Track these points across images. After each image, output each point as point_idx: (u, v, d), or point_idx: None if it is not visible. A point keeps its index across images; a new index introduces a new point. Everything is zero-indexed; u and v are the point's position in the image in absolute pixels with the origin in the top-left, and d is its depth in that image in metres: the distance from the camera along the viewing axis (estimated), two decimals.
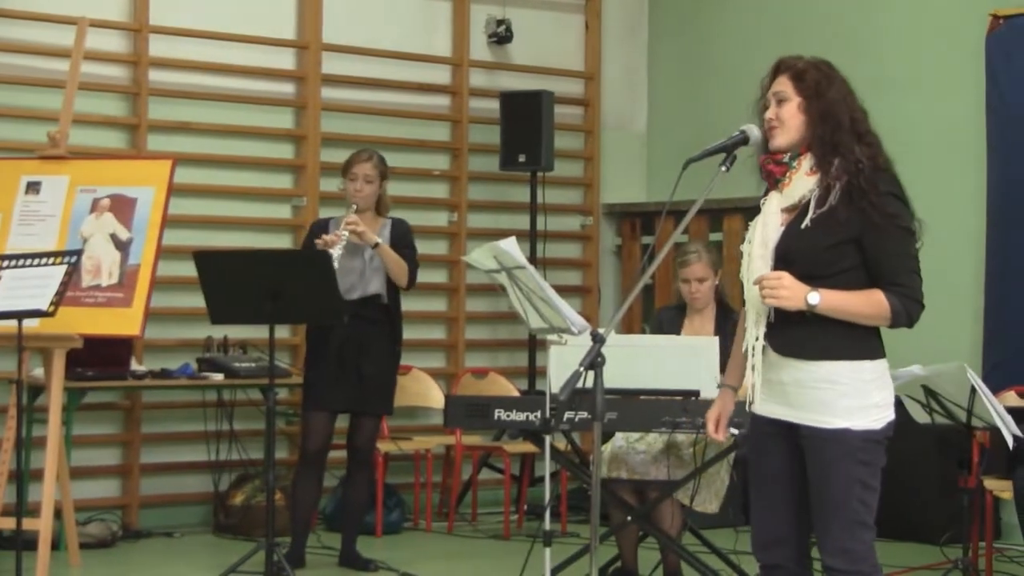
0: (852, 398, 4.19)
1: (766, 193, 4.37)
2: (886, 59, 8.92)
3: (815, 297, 4.14)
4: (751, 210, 4.43)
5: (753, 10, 9.80)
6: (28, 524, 6.71)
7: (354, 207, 7.29)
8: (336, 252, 7.04)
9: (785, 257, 4.22)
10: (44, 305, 6.56)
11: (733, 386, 4.49)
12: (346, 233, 7.15)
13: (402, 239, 7.40)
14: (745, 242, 4.36)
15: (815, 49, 4.55)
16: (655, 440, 6.62)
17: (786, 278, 4.17)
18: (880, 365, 4.25)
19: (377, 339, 7.32)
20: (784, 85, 4.29)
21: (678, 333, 6.81)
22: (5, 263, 6.77)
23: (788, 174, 4.29)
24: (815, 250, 4.19)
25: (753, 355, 4.29)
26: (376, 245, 7.22)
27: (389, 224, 7.44)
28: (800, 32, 9.21)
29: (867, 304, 4.18)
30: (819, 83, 4.26)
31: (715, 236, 9.53)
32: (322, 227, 7.42)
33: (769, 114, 4.30)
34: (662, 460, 6.57)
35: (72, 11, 8.11)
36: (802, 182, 4.27)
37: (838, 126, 4.23)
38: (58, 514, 7.25)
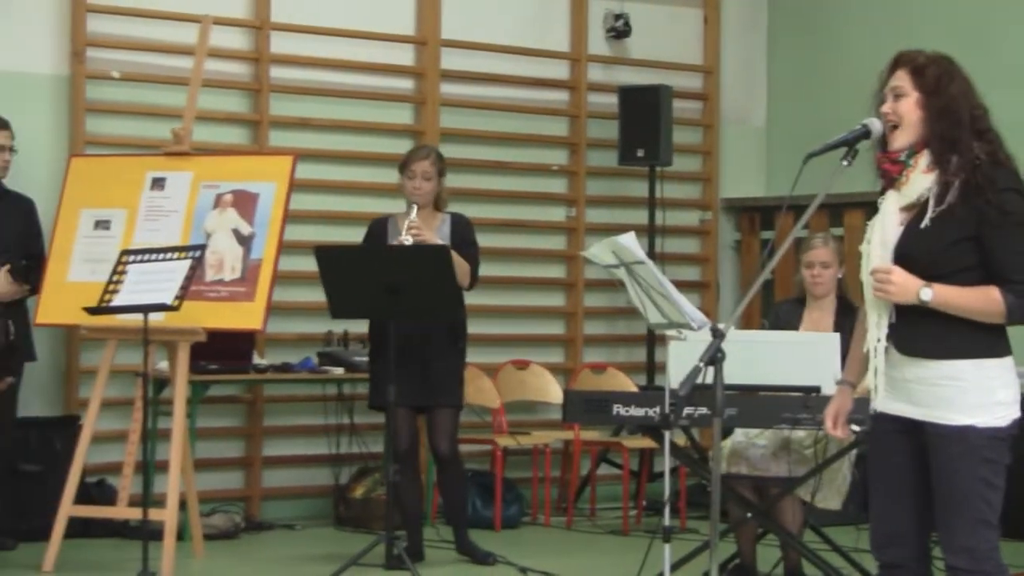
0: (976, 395, 4.13)
1: (883, 191, 4.32)
2: (1007, 52, 8.78)
3: (927, 293, 4.10)
4: (872, 205, 4.38)
5: (874, 3, 9.69)
6: (154, 515, 6.81)
7: (415, 207, 7.24)
8: None
9: (905, 257, 4.18)
10: (169, 299, 6.65)
11: (852, 382, 4.45)
12: (410, 239, 7.08)
13: (464, 236, 7.33)
14: (864, 242, 4.32)
15: (936, 43, 4.49)
16: (774, 436, 6.57)
17: (896, 272, 4.13)
18: (1005, 362, 4.19)
19: (438, 335, 7.24)
20: (902, 80, 4.23)
21: (796, 327, 6.74)
22: (131, 258, 6.88)
23: (905, 172, 4.24)
24: (935, 249, 4.14)
25: (875, 356, 4.25)
26: None
27: (448, 219, 7.38)
28: (921, 25, 9.09)
29: (981, 300, 4.12)
30: (939, 79, 4.20)
31: (835, 231, 9.42)
32: (381, 225, 7.39)
33: (886, 108, 4.25)
34: (782, 456, 6.53)
35: (196, 9, 8.22)
36: (920, 180, 4.21)
37: (957, 123, 4.17)
38: (183, 505, 7.35)
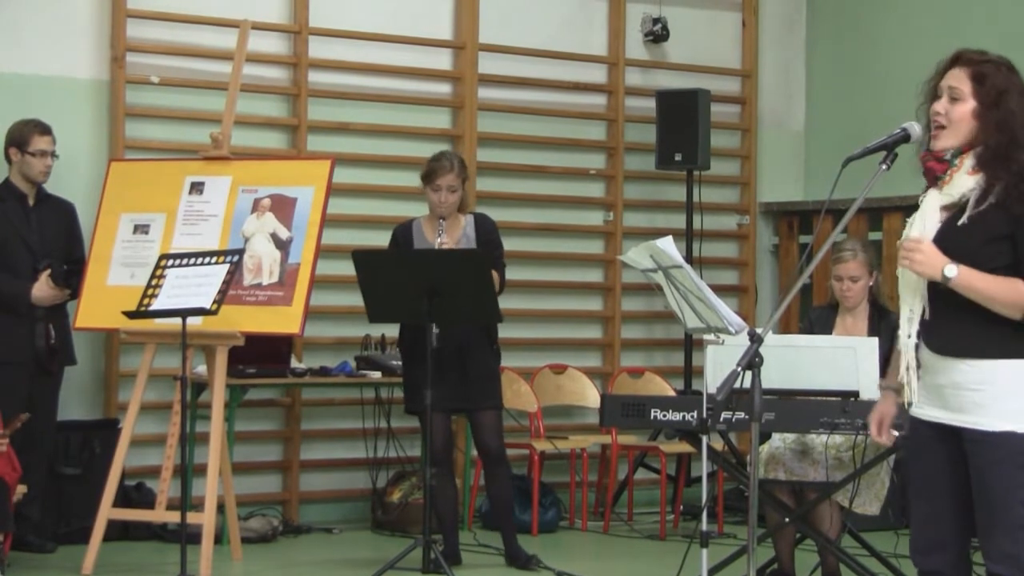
0: (1015, 399, 4.10)
1: (925, 190, 4.30)
2: None
3: (952, 269, 4.08)
4: (911, 208, 4.37)
5: (914, 6, 9.65)
6: (192, 518, 6.85)
7: (443, 224, 7.19)
8: None
9: (942, 252, 4.15)
10: (207, 303, 6.68)
11: (895, 388, 4.42)
12: None
13: (489, 238, 7.31)
14: (903, 238, 4.30)
15: (977, 45, 4.46)
16: (799, 439, 6.54)
17: (925, 244, 4.11)
18: None
19: (473, 338, 7.22)
20: (962, 82, 4.18)
21: (829, 333, 6.72)
22: (170, 262, 6.91)
23: (949, 172, 4.22)
24: (971, 246, 4.13)
25: (907, 352, 4.22)
26: None
27: (471, 220, 7.36)
28: (962, 30, 9.03)
29: (1006, 290, 4.09)
30: (1001, 94, 4.15)
31: (874, 235, 9.41)
32: (406, 230, 7.37)
33: (938, 107, 4.20)
34: (820, 461, 6.50)
35: (234, 14, 8.26)
36: (963, 180, 4.19)
37: (1012, 137, 4.14)
38: (221, 509, 7.37)
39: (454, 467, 7.58)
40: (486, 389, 7.28)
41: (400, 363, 8.23)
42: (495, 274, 7.15)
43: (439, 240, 7.14)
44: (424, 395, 6.93)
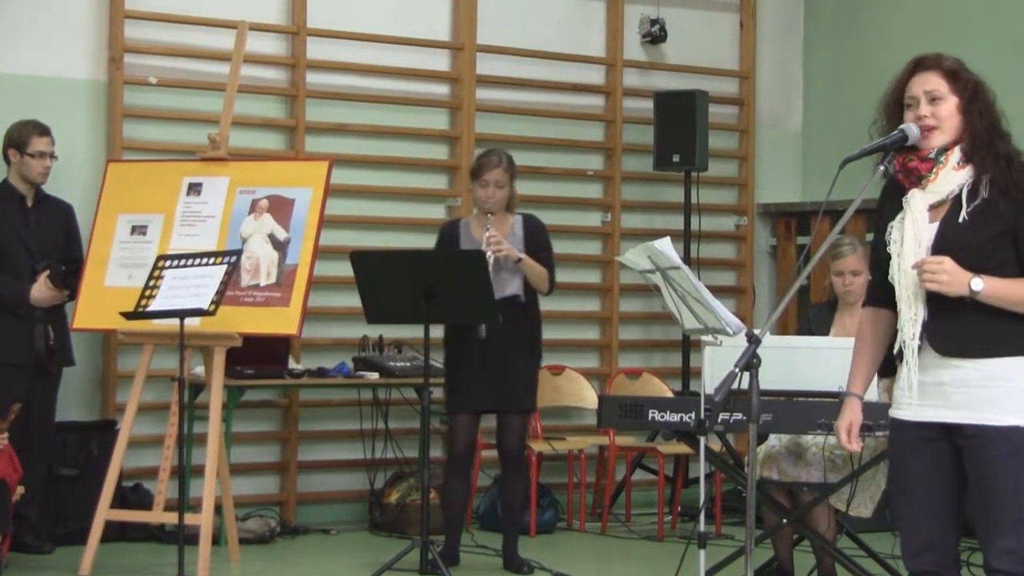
0: (1022, 395, 4.12)
1: (900, 193, 4.29)
2: None
3: (979, 283, 4.09)
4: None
5: (914, 7, 9.65)
6: (190, 519, 6.85)
7: (491, 217, 7.24)
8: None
9: (946, 251, 4.16)
10: (205, 304, 6.68)
11: (859, 394, 4.42)
12: (491, 253, 7.08)
13: (538, 239, 7.33)
14: (891, 243, 4.30)
15: (976, 45, 4.50)
16: (807, 442, 6.54)
17: (948, 262, 4.11)
18: None
19: (516, 339, 7.23)
20: (937, 84, 4.24)
21: (827, 331, 6.73)
22: (167, 263, 6.91)
23: (935, 169, 4.23)
24: (977, 242, 4.15)
25: (912, 354, 4.22)
26: (519, 260, 7.18)
27: (520, 220, 7.37)
28: (962, 30, 9.04)
29: None
30: (977, 85, 4.24)
31: (871, 237, 9.39)
32: (452, 229, 7.40)
33: (923, 111, 4.24)
34: (814, 463, 6.50)
35: (232, 15, 8.26)
36: (950, 177, 4.22)
37: (993, 125, 4.21)
38: (218, 510, 7.37)
39: (473, 469, 7.62)
40: (517, 391, 7.30)
41: (396, 364, 8.29)
42: (543, 273, 7.20)
43: (488, 233, 7.13)
44: (456, 398, 7.09)
